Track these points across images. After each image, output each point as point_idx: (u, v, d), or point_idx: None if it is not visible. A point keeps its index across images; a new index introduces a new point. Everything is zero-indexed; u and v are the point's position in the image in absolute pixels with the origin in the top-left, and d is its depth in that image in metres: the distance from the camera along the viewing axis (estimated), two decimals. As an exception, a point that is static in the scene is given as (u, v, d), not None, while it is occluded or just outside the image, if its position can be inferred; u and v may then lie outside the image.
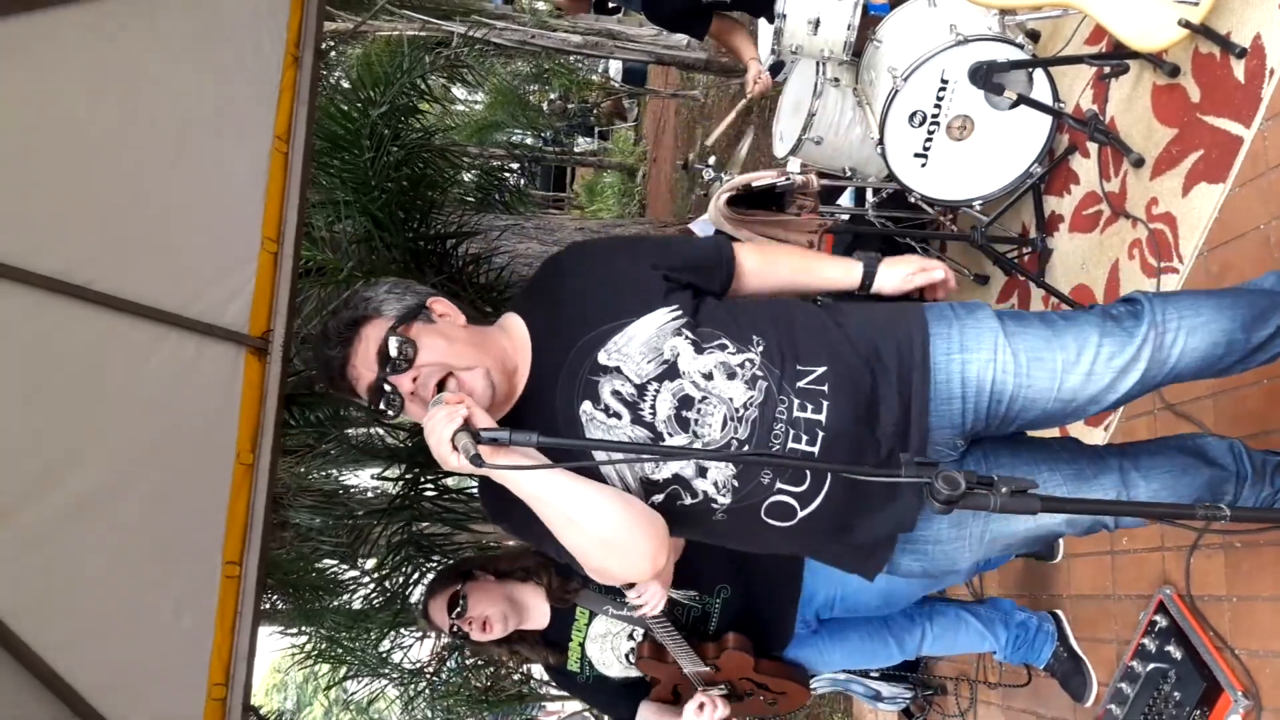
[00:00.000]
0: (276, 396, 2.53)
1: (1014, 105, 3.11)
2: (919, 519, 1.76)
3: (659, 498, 1.69)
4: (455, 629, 2.62)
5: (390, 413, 1.67)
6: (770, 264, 1.92)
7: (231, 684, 2.36)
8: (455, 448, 1.47)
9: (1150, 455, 1.91)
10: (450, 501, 5.14)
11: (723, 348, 1.68)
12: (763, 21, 4.15)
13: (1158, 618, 2.63)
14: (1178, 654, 2.53)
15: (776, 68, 4.07)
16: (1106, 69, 3.18)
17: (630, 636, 2.71)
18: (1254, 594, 2.41)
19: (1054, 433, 3.04)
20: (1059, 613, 3.15)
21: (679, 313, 1.70)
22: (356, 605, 5.54)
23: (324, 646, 5.54)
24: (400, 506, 4.93)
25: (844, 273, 1.88)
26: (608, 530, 1.60)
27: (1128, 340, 1.73)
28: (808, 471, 1.68)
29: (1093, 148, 3.27)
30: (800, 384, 1.68)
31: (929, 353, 1.73)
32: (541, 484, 1.58)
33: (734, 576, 2.73)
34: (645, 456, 1.63)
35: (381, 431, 5.89)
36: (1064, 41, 3.45)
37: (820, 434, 1.66)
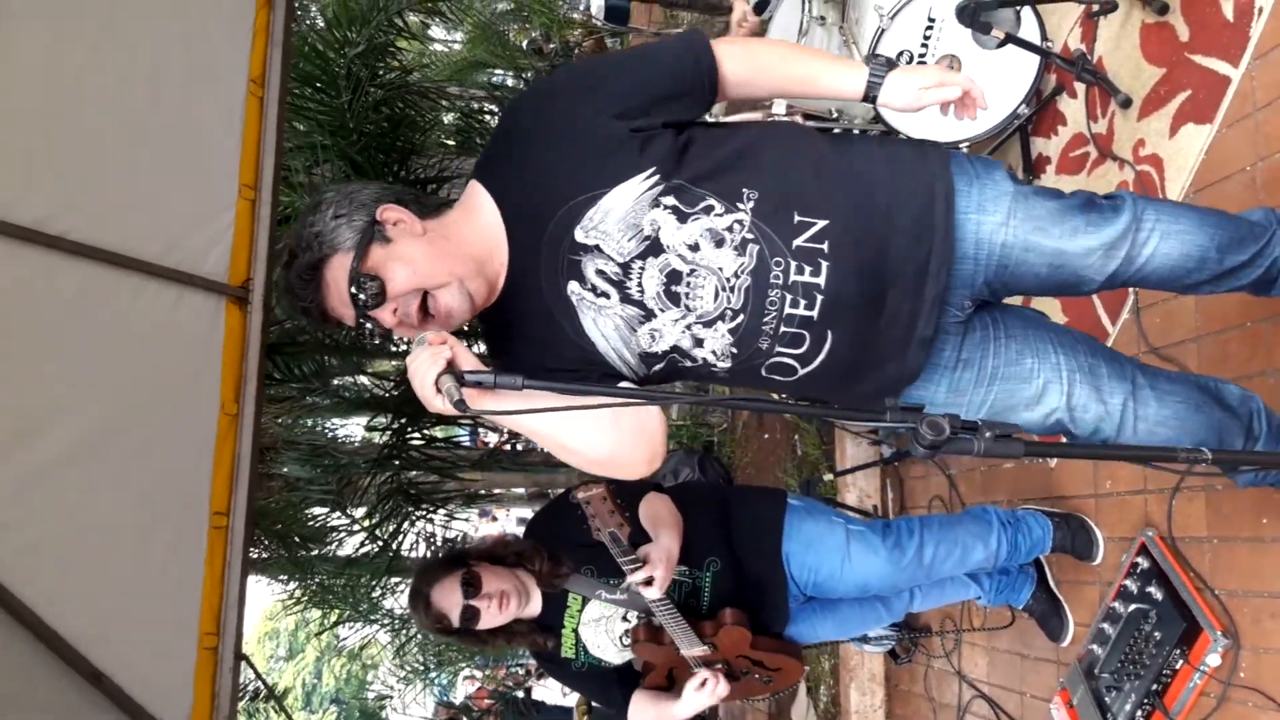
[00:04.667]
0: (259, 346, 2.51)
1: (1001, 44, 3.06)
2: (921, 370, 1.74)
3: (659, 366, 1.70)
4: (469, 610, 2.47)
5: (391, 334, 1.67)
6: (759, 72, 1.72)
7: (223, 632, 2.38)
8: (439, 390, 1.44)
9: (1169, 381, 1.89)
10: (438, 450, 5.14)
11: (709, 210, 1.59)
12: (748, -40, 4.07)
13: (1140, 559, 2.66)
14: (1159, 595, 2.56)
15: (762, 5, 3.99)
16: (1095, 7, 3.13)
17: (624, 618, 2.63)
18: (1234, 535, 2.44)
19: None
20: (1042, 559, 3.18)
21: (655, 177, 1.58)
22: (345, 553, 5.57)
23: (314, 592, 5.58)
24: (388, 456, 4.94)
25: (847, 81, 1.69)
26: (602, 452, 1.65)
27: (1112, 221, 1.72)
28: (806, 334, 1.63)
29: (1080, 88, 3.23)
30: (797, 241, 1.60)
31: (953, 207, 1.66)
32: (532, 417, 1.59)
33: (721, 549, 2.66)
34: (636, 401, 1.54)
35: (367, 381, 5.89)
36: (1053, -21, 3.40)
37: (819, 297, 1.61)
